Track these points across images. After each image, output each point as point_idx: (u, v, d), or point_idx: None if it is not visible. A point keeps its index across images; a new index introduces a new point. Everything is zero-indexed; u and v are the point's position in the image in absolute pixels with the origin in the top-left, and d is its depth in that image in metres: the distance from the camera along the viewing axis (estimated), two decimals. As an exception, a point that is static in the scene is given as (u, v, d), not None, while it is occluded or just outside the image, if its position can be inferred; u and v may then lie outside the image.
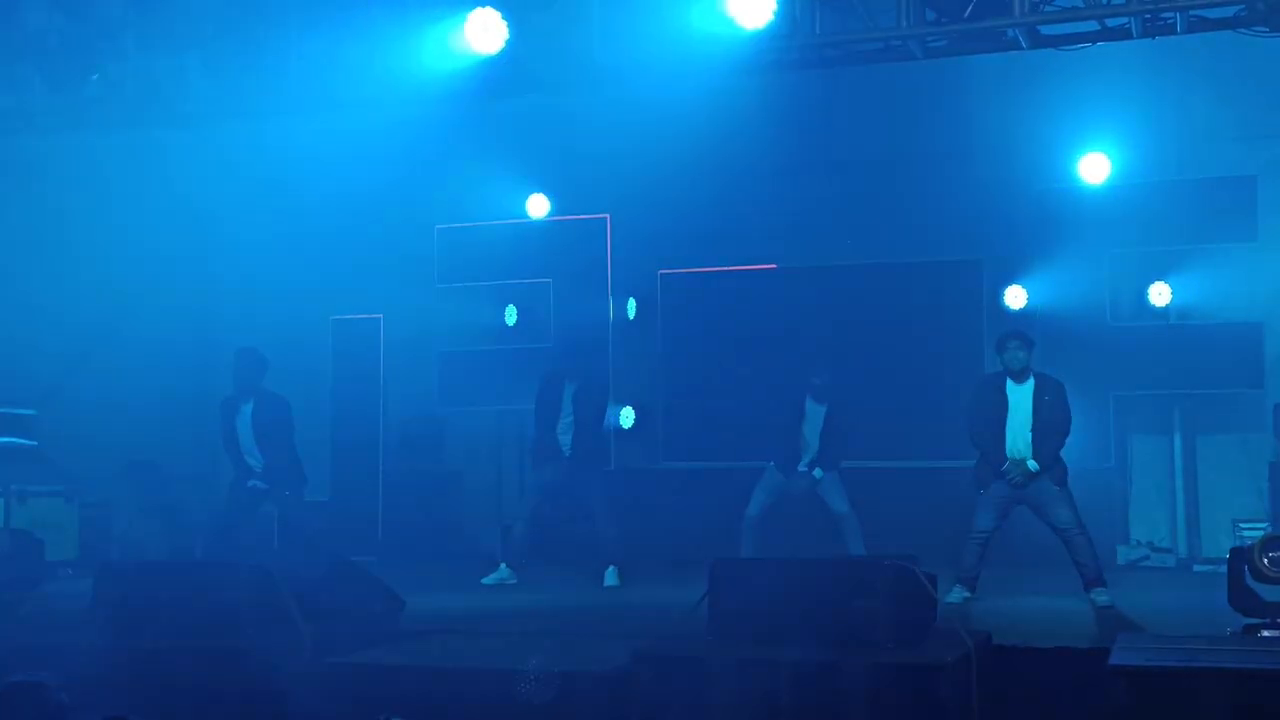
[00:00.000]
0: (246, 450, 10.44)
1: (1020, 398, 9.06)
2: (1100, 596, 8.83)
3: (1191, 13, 8.58)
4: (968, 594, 9.05)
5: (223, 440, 10.63)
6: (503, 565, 10.61)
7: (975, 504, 9.15)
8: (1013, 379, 9.12)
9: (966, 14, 8.53)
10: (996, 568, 10.36)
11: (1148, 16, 8.58)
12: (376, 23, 9.57)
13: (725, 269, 12.98)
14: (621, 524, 10.73)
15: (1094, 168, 11.87)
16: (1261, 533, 8.46)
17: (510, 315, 13.50)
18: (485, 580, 10.52)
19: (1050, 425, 8.98)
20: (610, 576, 10.52)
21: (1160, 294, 11.77)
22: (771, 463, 10.84)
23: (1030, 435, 8.98)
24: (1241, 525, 10.97)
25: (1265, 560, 7.36)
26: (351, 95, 10.11)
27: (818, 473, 10.75)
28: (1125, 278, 11.94)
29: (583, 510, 10.81)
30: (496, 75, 9.53)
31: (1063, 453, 9.09)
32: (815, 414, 10.80)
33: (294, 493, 10.62)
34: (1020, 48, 8.97)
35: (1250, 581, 7.47)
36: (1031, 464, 8.96)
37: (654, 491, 12.73)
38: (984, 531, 9.08)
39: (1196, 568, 11.43)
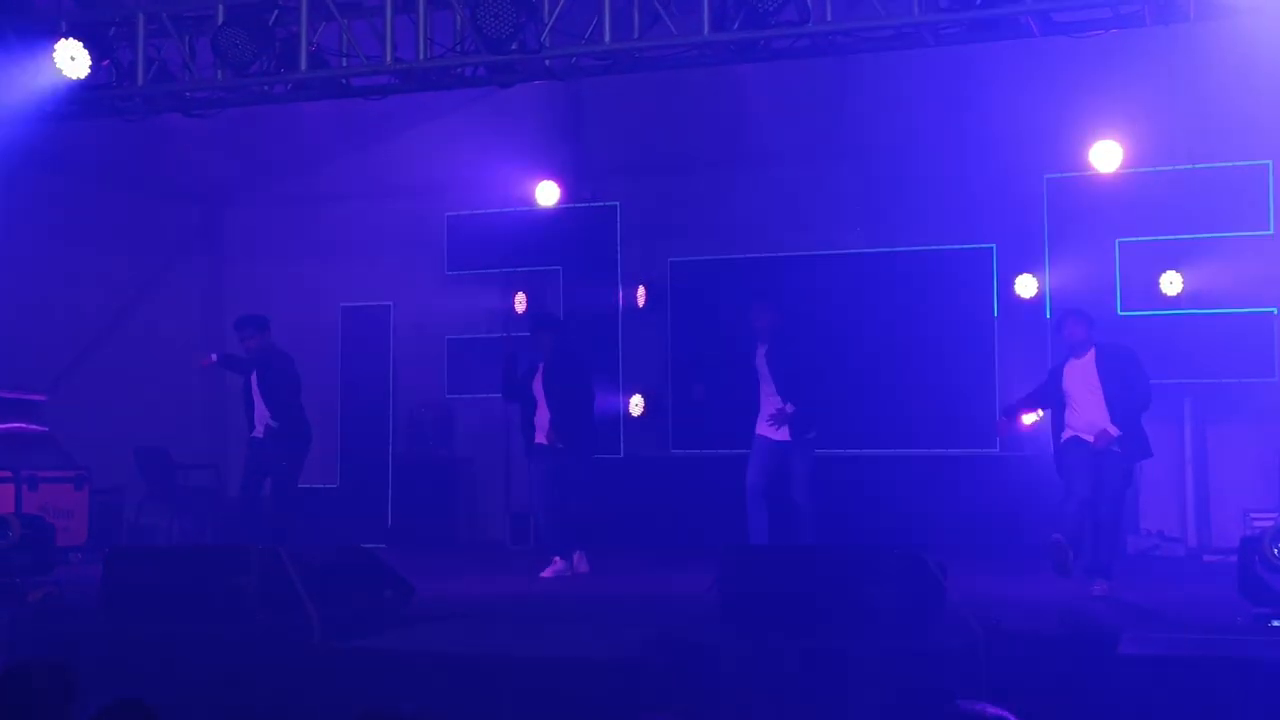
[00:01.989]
0: (257, 412, 10.60)
1: (1079, 371, 8.97)
2: (1097, 587, 8.70)
3: (1204, -1, 8.53)
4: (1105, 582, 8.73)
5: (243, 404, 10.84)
6: (555, 559, 10.34)
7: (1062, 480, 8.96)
8: (1074, 357, 9.05)
9: (979, 0, 8.48)
10: (1006, 555, 10.38)
11: (1161, 2, 8.53)
12: (388, 7, 9.52)
13: (735, 257, 12.95)
14: (562, 518, 10.43)
15: (1106, 155, 11.82)
16: (1273, 522, 8.44)
17: (519, 303, 13.49)
18: (544, 574, 10.27)
19: (1120, 389, 8.82)
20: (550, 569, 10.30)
21: (1172, 282, 11.73)
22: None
23: (1102, 405, 8.83)
24: (1252, 515, 10.93)
25: (1275, 550, 7.34)
26: (362, 82, 10.09)
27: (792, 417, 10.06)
28: (1137, 266, 11.89)
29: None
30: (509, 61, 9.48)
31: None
32: (762, 357, 10.23)
33: (291, 463, 10.60)
34: (1032, 34, 8.92)
35: (1261, 571, 7.44)
36: (1112, 428, 8.80)
37: (664, 479, 12.74)
38: (1076, 506, 8.76)
39: (1207, 557, 11.39)
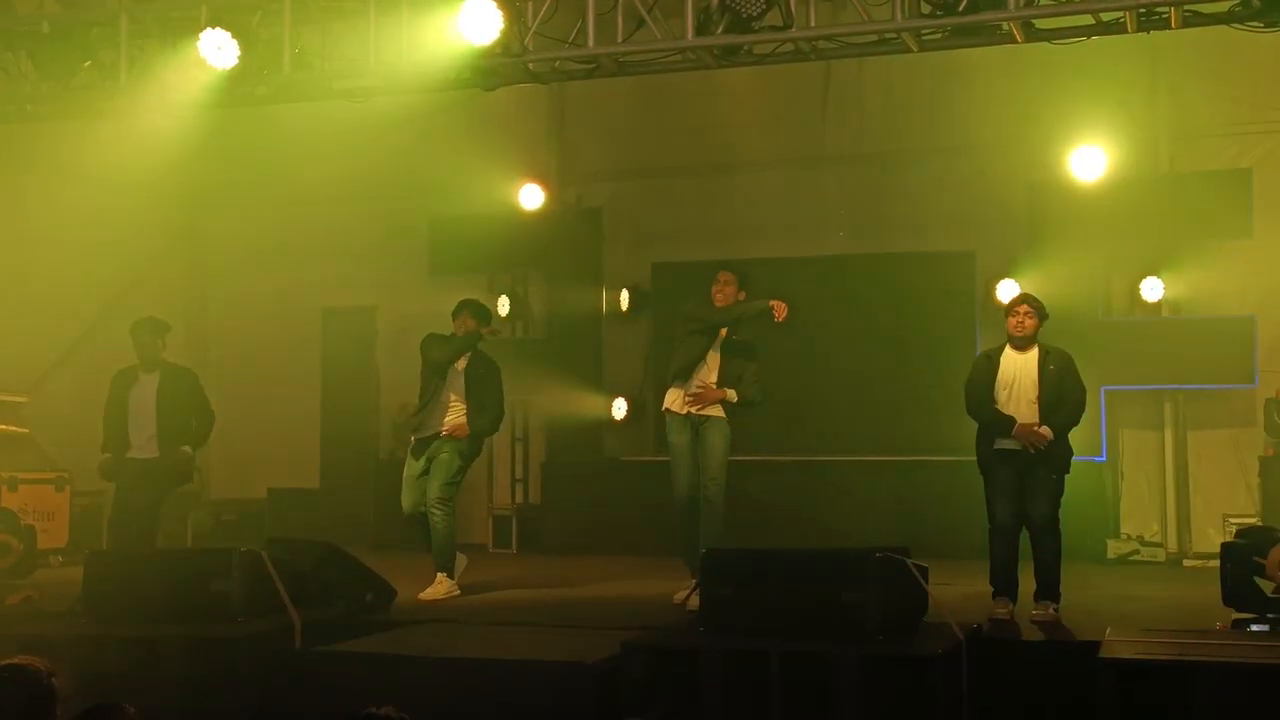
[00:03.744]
0: (138, 426, 9.36)
1: (1019, 367, 8.13)
2: (1042, 612, 7.88)
3: (1186, 7, 8.55)
4: (1010, 603, 7.95)
5: (107, 413, 9.58)
6: (443, 576, 9.50)
7: (987, 495, 8.20)
8: (1014, 348, 8.20)
9: (961, 7, 8.49)
10: (987, 559, 10.40)
11: (1142, 10, 8.55)
12: (372, 10, 9.51)
13: (717, 260, 12.93)
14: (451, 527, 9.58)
15: (1088, 161, 11.86)
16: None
17: (502, 305, 13.48)
18: (421, 596, 9.30)
19: (1060, 396, 8.03)
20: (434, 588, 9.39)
21: (1153, 288, 11.78)
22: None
23: (1036, 407, 8.02)
24: (1232, 520, 10.97)
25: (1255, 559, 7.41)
26: (345, 84, 10.08)
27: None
28: (1118, 271, 11.95)
29: None
30: (492, 65, 9.48)
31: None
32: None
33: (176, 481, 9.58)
34: (1015, 41, 8.95)
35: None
36: (1045, 430, 7.96)
37: (645, 482, 12.72)
38: (1004, 525, 8.07)
39: (1187, 562, 11.46)
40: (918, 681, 6.25)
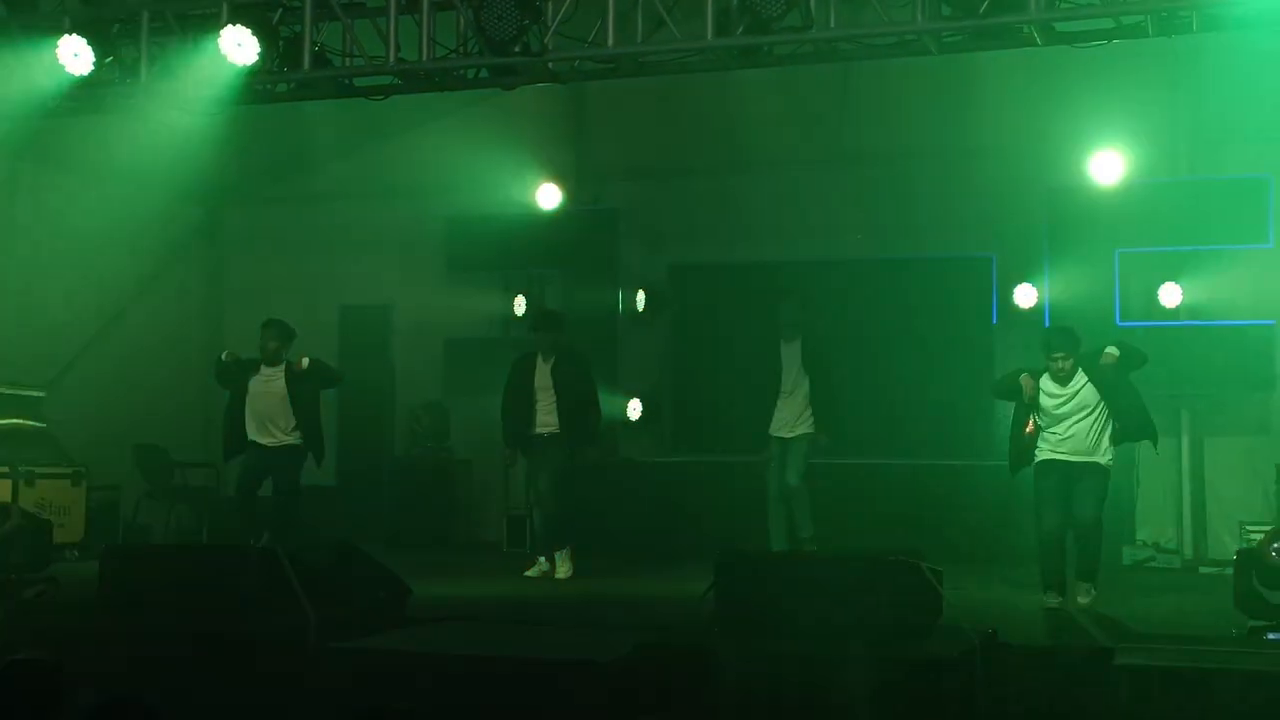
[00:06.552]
0: (270, 416, 10.46)
1: (1064, 397, 8.84)
2: (1084, 595, 8.76)
3: (1207, 10, 8.53)
4: (1060, 596, 8.76)
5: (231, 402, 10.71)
6: (541, 559, 10.46)
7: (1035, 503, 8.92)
8: (1056, 382, 8.86)
9: (982, 10, 8.47)
10: (1003, 564, 10.39)
11: (1163, 14, 8.53)
12: (392, 8, 9.52)
13: (734, 261, 12.95)
14: (569, 511, 10.51)
15: (1107, 166, 11.81)
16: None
17: (518, 305, 13.48)
18: (527, 573, 10.38)
19: (1114, 406, 8.74)
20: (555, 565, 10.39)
21: (1171, 294, 11.72)
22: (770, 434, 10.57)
23: (1083, 426, 8.76)
24: (1248, 527, 10.91)
25: (1274, 550, 7.40)
26: (365, 82, 10.09)
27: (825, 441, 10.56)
28: (1136, 277, 11.88)
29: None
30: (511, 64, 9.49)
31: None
32: (791, 354, 10.57)
33: (297, 465, 10.65)
34: (1035, 44, 8.93)
35: (1257, 583, 7.46)
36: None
37: (661, 484, 12.73)
38: (1052, 531, 8.79)
39: (1203, 569, 11.40)
40: (932, 685, 6.25)
